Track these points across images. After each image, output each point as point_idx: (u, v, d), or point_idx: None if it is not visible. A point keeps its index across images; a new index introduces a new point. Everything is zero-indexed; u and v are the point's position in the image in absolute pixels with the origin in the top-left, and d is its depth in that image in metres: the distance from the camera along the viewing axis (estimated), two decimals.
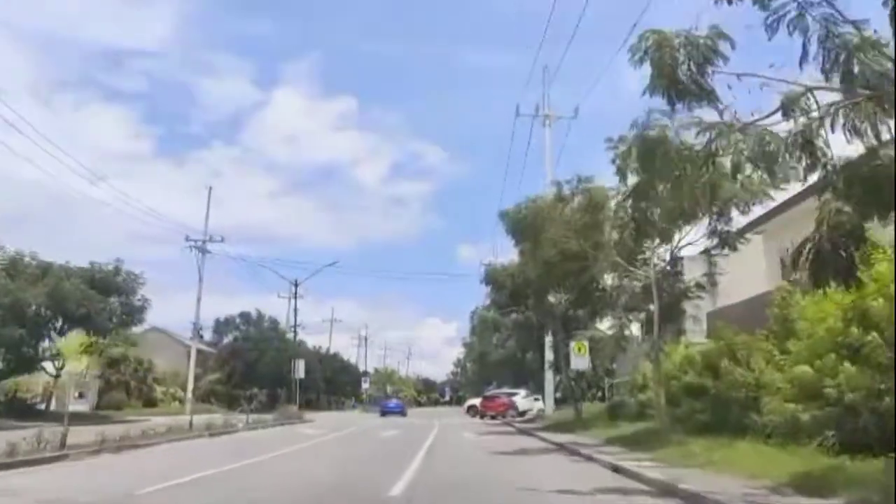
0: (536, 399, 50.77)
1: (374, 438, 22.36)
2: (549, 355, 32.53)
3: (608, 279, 23.86)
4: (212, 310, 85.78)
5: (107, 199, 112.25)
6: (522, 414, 42.00)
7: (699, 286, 16.71)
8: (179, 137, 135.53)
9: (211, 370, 62.39)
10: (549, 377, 33.13)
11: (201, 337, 55.53)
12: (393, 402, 57.90)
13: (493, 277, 26.78)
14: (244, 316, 63.38)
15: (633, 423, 21.53)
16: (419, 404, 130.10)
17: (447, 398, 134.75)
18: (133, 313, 35.92)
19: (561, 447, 18.12)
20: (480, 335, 64.93)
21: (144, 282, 34.69)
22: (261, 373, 61.78)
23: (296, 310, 34.98)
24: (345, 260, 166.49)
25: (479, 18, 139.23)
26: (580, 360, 24.60)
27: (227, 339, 63.20)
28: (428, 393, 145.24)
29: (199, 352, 65.91)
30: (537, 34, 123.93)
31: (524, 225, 17.42)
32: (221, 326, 62.31)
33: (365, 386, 65.80)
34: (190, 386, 54.47)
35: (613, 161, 10.58)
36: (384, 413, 51.22)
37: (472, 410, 51.44)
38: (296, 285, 35.72)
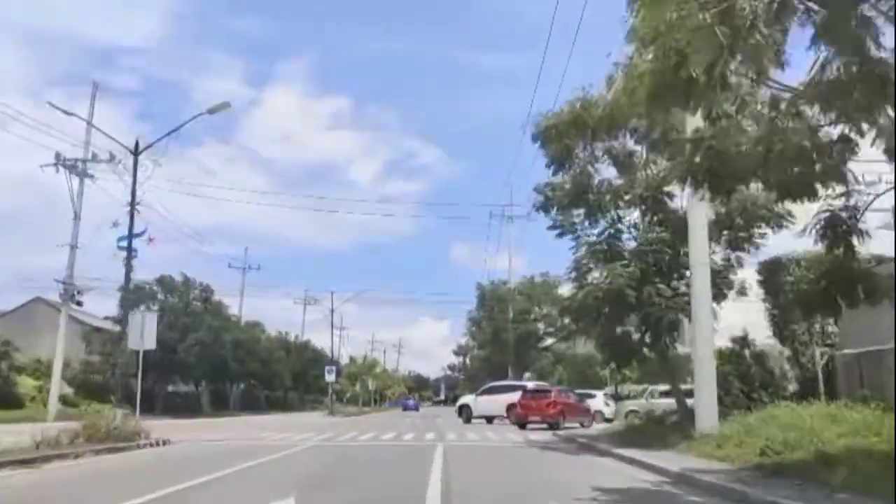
0: (585, 397, 31.04)
1: None
2: (698, 263, 12.55)
3: None
4: None
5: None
6: (557, 425, 22.50)
7: None
8: (172, 135, 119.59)
9: (113, 357, 42.15)
10: (705, 337, 13.03)
11: (78, 303, 35.25)
12: (411, 402, 75.49)
13: None
14: (163, 282, 43.12)
15: None
16: None
17: (442, 396, 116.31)
18: None
19: None
20: (493, 306, 45.16)
21: None
22: (186, 361, 41.50)
23: (133, 193, 15.00)
24: (339, 259, 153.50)
25: (475, 18, 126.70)
26: None
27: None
28: (421, 391, 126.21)
29: (97, 331, 45.70)
30: (534, 33, 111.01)
31: None
32: (130, 296, 41.99)
33: (329, 378, 45.32)
34: (56, 377, 34.11)
35: None
36: (405, 409, 68.04)
37: (464, 413, 31.65)
38: (136, 152, 15.48)
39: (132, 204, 15.91)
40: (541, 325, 44.11)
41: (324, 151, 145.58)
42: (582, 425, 24.67)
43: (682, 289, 14.16)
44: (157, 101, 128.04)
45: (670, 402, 28.50)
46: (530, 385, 30.50)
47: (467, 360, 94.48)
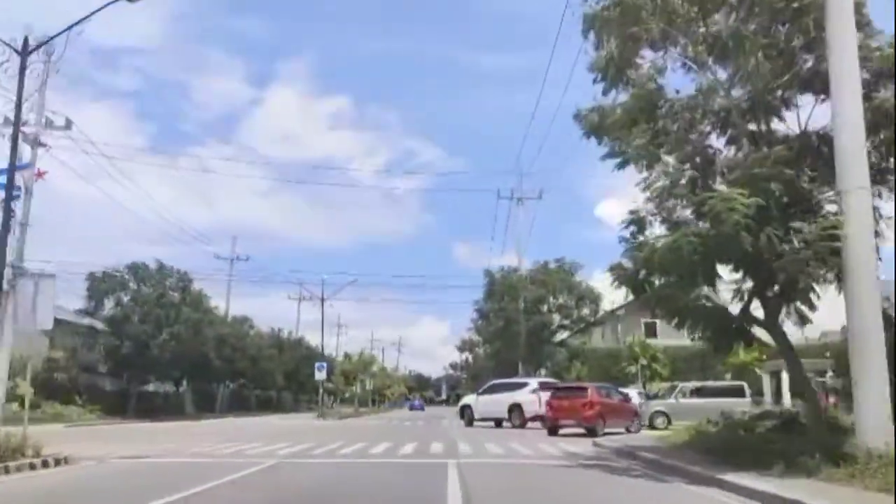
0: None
1: None
2: (854, 188, 7.90)
3: None
4: None
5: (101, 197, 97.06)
6: (595, 431, 17.70)
7: None
8: (173, 135, 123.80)
9: (81, 352, 37.46)
10: (869, 298, 8.30)
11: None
12: (417, 402, 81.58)
13: None
14: (134, 269, 38.28)
15: None
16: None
17: (444, 396, 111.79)
18: None
19: None
20: (503, 294, 40.29)
21: None
22: (161, 358, 36.64)
23: (19, 103, 10.57)
24: (339, 259, 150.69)
25: (473, 18, 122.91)
26: None
27: (110, 306, 37.94)
28: (422, 390, 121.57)
29: (60, 323, 41.00)
30: (529, 34, 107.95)
31: None
32: (99, 285, 37.39)
33: (320, 376, 40.07)
34: (1, 374, 29.44)
35: None
36: (412, 408, 72.97)
37: (466, 414, 26.83)
38: (24, 52, 10.90)
39: (16, 123, 11.22)
40: (556, 317, 39.30)
41: (325, 151, 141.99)
42: (628, 430, 19.90)
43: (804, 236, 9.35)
44: (158, 100, 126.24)
45: (712, 403, 23.91)
46: (533, 383, 26.11)
47: (470, 358, 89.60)
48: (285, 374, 62.22)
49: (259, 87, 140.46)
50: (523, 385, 25.84)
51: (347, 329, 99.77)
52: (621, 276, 11.38)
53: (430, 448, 14.79)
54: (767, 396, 28.44)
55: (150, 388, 46.91)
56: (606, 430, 18.64)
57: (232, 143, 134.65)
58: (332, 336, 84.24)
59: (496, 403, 25.76)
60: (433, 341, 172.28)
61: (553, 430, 19.09)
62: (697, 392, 25.54)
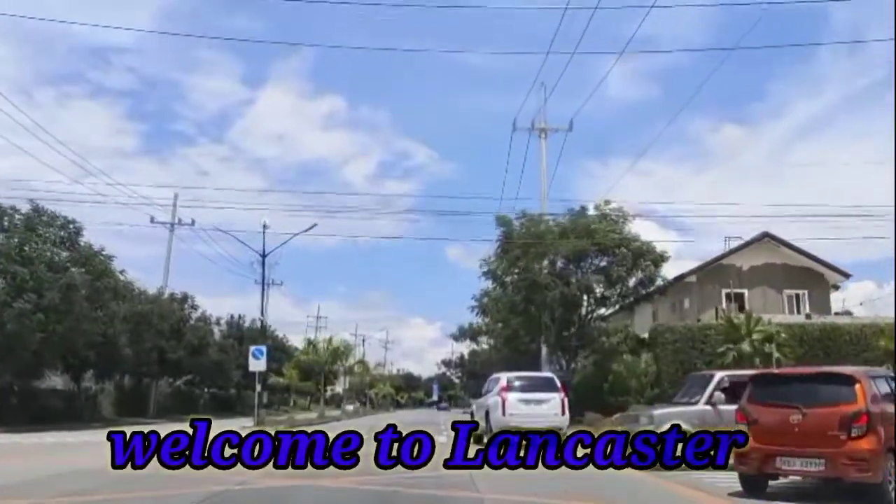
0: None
1: None
2: None
3: None
4: None
5: (90, 193, 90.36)
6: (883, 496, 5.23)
7: None
8: (165, 135, 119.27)
9: None
10: None
11: None
12: (443, 403, 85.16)
13: None
14: None
15: None
16: (399, 405, 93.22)
17: (436, 398, 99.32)
18: None
19: None
20: (526, 249, 28.05)
21: None
22: (23, 337, 24.20)
23: None
24: (332, 259, 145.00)
25: (468, 18, 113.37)
26: None
27: None
28: (411, 391, 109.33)
29: None
30: (526, 35, 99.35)
31: None
32: None
33: (257, 365, 26.87)
34: None
35: None
36: (439, 409, 76.50)
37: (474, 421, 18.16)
38: None
39: None
40: (598, 288, 27.16)
41: (319, 151, 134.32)
42: None
43: None
44: (150, 100, 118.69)
45: None
46: (502, 378, 17.51)
47: (466, 354, 77.02)
48: (245, 370, 49.89)
49: (253, 86, 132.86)
50: (496, 381, 17.74)
51: (333, 329, 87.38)
52: None
53: None
54: None
55: (58, 384, 34.85)
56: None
57: (225, 143, 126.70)
58: (312, 332, 72.17)
59: (480, 410, 18.44)
60: (424, 342, 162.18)
61: (756, 483, 6.92)
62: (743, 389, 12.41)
